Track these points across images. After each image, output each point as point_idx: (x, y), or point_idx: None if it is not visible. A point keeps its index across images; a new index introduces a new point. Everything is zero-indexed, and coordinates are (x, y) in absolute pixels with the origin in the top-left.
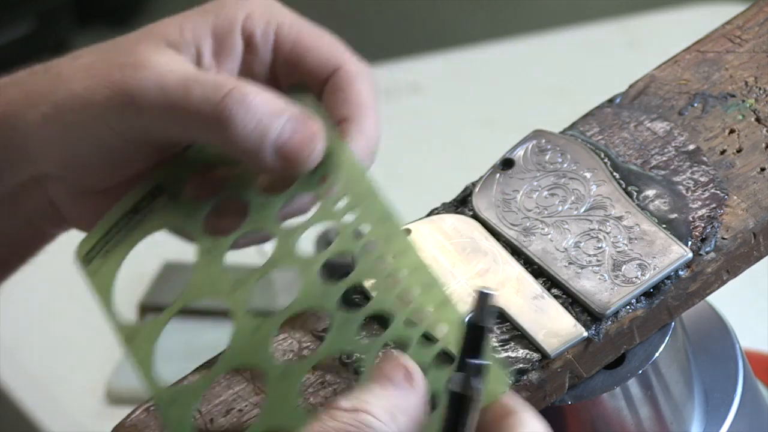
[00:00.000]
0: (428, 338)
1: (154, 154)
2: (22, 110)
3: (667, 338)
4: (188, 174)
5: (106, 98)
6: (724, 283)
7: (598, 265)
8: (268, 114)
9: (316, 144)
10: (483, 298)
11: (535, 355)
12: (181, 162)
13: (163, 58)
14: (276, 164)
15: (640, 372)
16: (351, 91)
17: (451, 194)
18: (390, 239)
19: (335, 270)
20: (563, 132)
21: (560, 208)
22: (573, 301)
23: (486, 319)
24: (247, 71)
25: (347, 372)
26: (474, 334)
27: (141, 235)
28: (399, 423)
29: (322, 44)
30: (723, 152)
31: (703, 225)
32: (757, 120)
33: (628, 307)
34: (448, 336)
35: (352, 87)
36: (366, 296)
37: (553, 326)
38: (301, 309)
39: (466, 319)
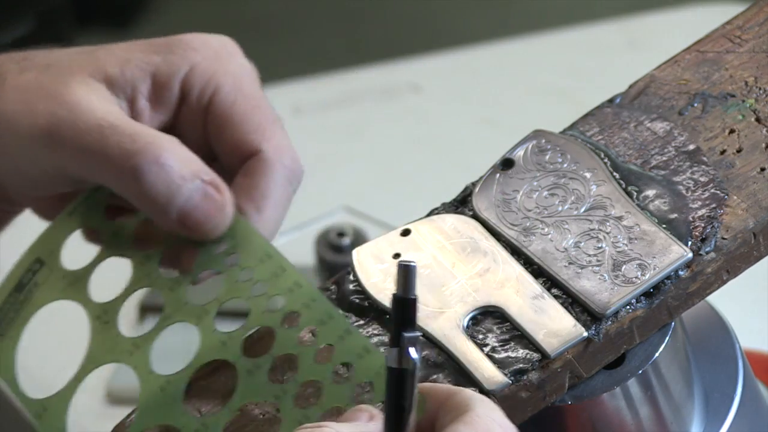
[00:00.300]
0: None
1: (75, 184)
2: None
3: (667, 338)
4: (62, 244)
5: (27, 127)
6: (724, 283)
7: (598, 265)
8: (180, 177)
9: (221, 218)
10: (404, 270)
11: (535, 355)
12: (56, 230)
13: (90, 95)
14: (178, 228)
15: (640, 372)
16: (259, 182)
17: (451, 194)
18: (276, 278)
19: (334, 270)
20: (563, 132)
21: (560, 208)
22: (573, 301)
23: (412, 290)
24: (181, 121)
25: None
26: (403, 308)
27: (32, 310)
28: None
29: (251, 122)
30: (723, 152)
31: (703, 225)
32: (757, 120)
33: (628, 307)
34: (362, 367)
35: (261, 179)
36: (366, 296)
37: (553, 326)
38: (204, 361)
39: (393, 294)
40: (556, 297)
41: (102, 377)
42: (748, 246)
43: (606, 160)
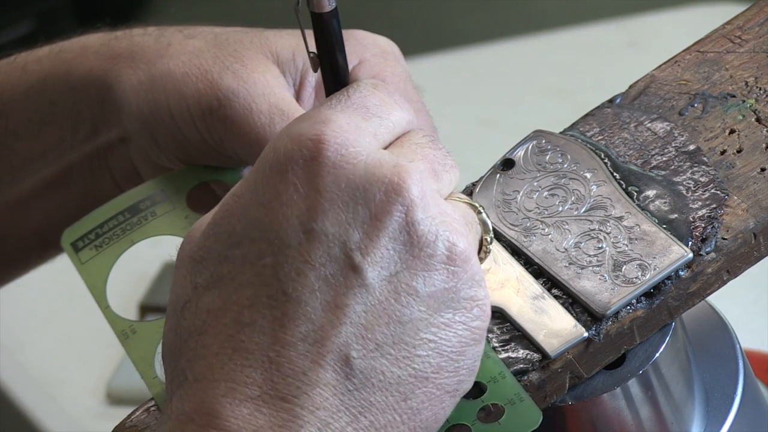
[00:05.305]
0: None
1: (221, 160)
2: (124, 71)
3: (668, 338)
4: (191, 186)
5: (196, 92)
6: (724, 283)
7: (598, 266)
8: None
9: None
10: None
11: (536, 356)
12: (186, 174)
13: (265, 76)
14: None
15: (641, 372)
16: None
17: None
18: None
19: None
20: (563, 132)
21: (560, 209)
22: (573, 302)
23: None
24: None
25: None
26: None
27: (140, 236)
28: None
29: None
30: (723, 152)
31: (703, 225)
32: (758, 120)
33: (628, 307)
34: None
35: None
36: None
37: (554, 326)
38: None
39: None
40: (556, 297)
41: (102, 377)
42: (749, 246)
43: (606, 160)
